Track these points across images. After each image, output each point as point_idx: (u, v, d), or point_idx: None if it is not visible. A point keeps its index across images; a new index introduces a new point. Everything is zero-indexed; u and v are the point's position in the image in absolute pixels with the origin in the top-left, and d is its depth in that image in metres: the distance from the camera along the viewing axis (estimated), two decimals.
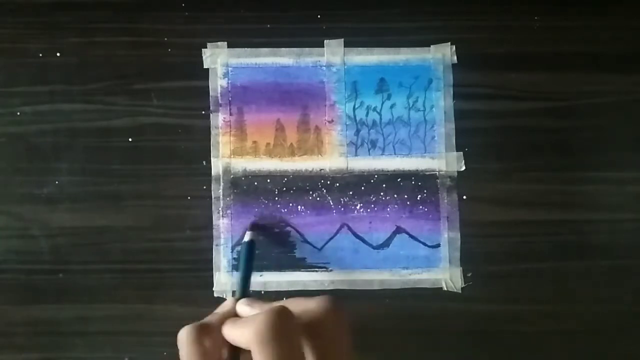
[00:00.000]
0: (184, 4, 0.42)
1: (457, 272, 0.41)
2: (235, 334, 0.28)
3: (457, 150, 0.42)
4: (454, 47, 0.42)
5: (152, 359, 0.41)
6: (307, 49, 0.42)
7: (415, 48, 0.42)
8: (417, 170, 0.42)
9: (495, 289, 0.42)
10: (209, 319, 0.31)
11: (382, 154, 0.42)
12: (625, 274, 0.42)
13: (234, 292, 0.40)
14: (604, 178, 0.42)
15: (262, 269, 0.41)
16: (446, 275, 0.41)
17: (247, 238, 0.39)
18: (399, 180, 0.42)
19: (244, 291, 0.36)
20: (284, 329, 0.26)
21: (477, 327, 0.41)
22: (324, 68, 0.42)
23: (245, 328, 0.27)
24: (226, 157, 0.42)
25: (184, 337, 0.29)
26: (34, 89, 0.42)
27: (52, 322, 0.41)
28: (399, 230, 0.42)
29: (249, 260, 0.38)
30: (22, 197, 0.41)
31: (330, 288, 0.41)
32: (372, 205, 0.42)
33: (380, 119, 0.42)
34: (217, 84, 0.42)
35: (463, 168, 0.42)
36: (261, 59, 0.42)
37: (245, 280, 0.37)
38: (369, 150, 0.42)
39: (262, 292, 0.41)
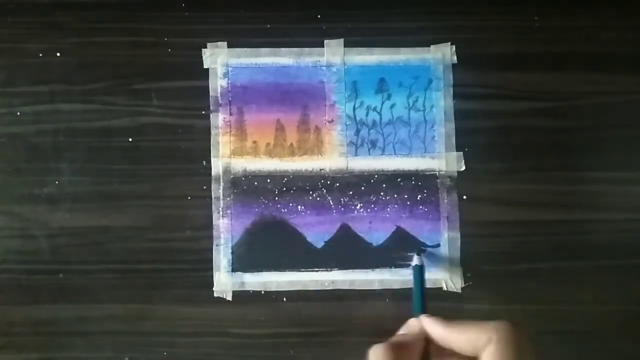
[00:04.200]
0: (184, 4, 0.42)
1: (457, 272, 0.41)
2: (461, 335, 0.29)
3: (457, 150, 0.42)
4: (454, 47, 0.42)
5: (152, 359, 0.41)
6: (307, 49, 0.42)
7: (415, 48, 0.42)
8: (417, 170, 0.42)
9: (495, 289, 0.42)
10: (399, 338, 0.32)
11: (382, 154, 0.42)
12: (626, 274, 0.42)
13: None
14: (604, 178, 0.42)
15: (262, 268, 0.41)
16: (446, 275, 0.41)
17: (415, 262, 0.40)
18: (399, 180, 0.42)
19: (424, 309, 0.37)
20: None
21: None
22: (324, 68, 0.42)
23: (477, 331, 0.28)
24: (226, 157, 0.42)
25: (376, 356, 0.30)
26: (34, 89, 0.42)
27: (52, 322, 0.41)
28: (399, 230, 0.42)
29: (422, 282, 0.39)
30: (22, 197, 0.41)
31: (330, 288, 0.41)
32: (372, 205, 0.42)
33: (380, 119, 0.42)
34: (217, 84, 0.42)
35: (463, 168, 0.42)
36: (261, 59, 0.42)
37: (422, 300, 0.38)
38: (369, 150, 0.42)
39: (262, 292, 0.41)
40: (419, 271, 0.39)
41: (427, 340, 0.32)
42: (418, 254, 0.40)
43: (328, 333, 0.41)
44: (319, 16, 0.42)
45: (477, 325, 0.29)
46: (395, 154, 0.42)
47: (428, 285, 0.41)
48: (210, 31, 0.42)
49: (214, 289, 0.41)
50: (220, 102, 0.42)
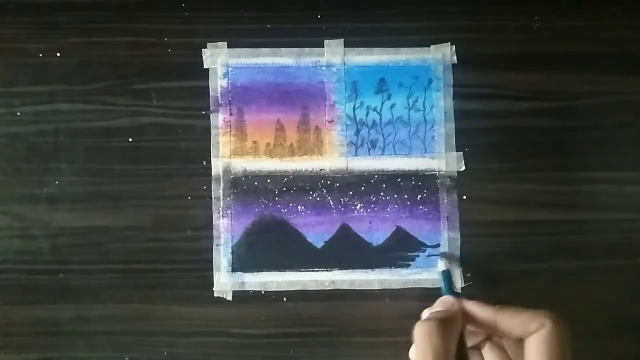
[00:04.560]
0: (184, 4, 0.42)
1: (457, 272, 0.41)
2: (513, 319, 0.30)
3: (457, 150, 0.42)
4: (454, 47, 0.42)
5: (152, 359, 0.41)
6: (307, 49, 0.42)
7: (415, 48, 0.42)
8: (417, 170, 0.42)
9: (495, 289, 0.42)
10: (441, 315, 0.32)
11: (382, 154, 0.42)
12: (625, 274, 0.42)
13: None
14: (604, 178, 0.42)
15: (262, 268, 0.41)
16: None
17: (441, 268, 0.40)
18: (399, 180, 0.42)
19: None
20: None
21: None
22: (324, 68, 0.42)
23: (530, 316, 0.30)
24: (226, 157, 0.42)
25: (426, 332, 0.30)
26: (34, 89, 0.42)
27: (52, 322, 0.41)
28: (399, 230, 0.42)
29: (450, 287, 0.39)
30: (22, 197, 0.41)
31: (330, 288, 0.41)
32: (372, 205, 0.42)
33: (380, 119, 0.42)
34: (217, 84, 0.42)
35: (463, 168, 0.42)
36: (261, 59, 0.42)
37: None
38: (369, 150, 0.42)
39: (262, 292, 0.41)
40: (447, 276, 0.39)
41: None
42: (444, 258, 0.41)
43: (328, 333, 0.41)
44: (319, 16, 0.42)
45: (528, 310, 0.31)
46: (395, 154, 0.42)
47: (427, 285, 0.41)
48: (210, 31, 0.42)
49: (214, 289, 0.41)
50: (220, 102, 0.42)
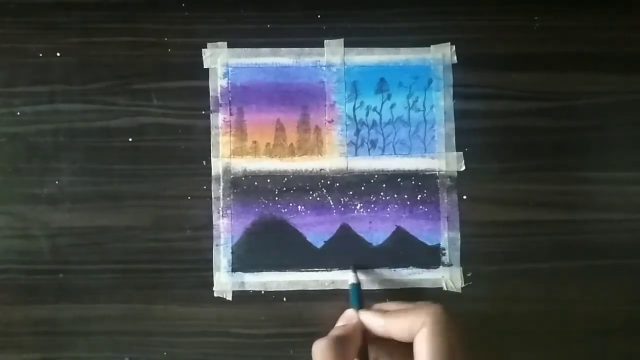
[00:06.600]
0: (184, 4, 0.42)
1: (457, 272, 0.41)
2: (400, 323, 0.29)
3: (457, 150, 0.42)
4: (454, 47, 0.42)
5: (152, 359, 0.41)
6: (307, 49, 0.42)
7: (415, 48, 0.42)
8: (417, 170, 0.42)
9: (495, 289, 0.42)
10: (338, 332, 0.32)
11: (382, 154, 0.42)
12: (625, 274, 0.42)
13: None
14: (604, 178, 0.42)
15: (262, 268, 0.41)
16: (446, 275, 0.41)
17: (352, 280, 0.39)
18: (399, 180, 0.42)
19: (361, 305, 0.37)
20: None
21: (477, 327, 0.41)
22: (324, 68, 0.42)
23: (413, 317, 0.28)
24: (226, 157, 0.42)
25: (321, 351, 0.29)
26: (34, 89, 0.42)
27: (52, 322, 0.41)
28: (399, 230, 0.42)
29: (359, 298, 0.38)
30: (22, 197, 0.41)
31: (331, 288, 0.41)
32: (372, 205, 0.42)
33: (380, 119, 0.42)
34: (217, 84, 0.42)
35: (463, 168, 0.42)
36: (261, 59, 0.42)
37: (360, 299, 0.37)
38: (369, 150, 0.42)
39: (262, 292, 0.41)
40: (355, 289, 0.39)
41: (364, 330, 0.32)
42: (354, 272, 0.40)
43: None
44: (319, 16, 0.42)
45: (412, 310, 0.29)
46: (395, 154, 0.42)
47: (428, 285, 0.41)
48: (210, 31, 0.42)
49: (214, 289, 0.41)
50: (220, 102, 0.42)
